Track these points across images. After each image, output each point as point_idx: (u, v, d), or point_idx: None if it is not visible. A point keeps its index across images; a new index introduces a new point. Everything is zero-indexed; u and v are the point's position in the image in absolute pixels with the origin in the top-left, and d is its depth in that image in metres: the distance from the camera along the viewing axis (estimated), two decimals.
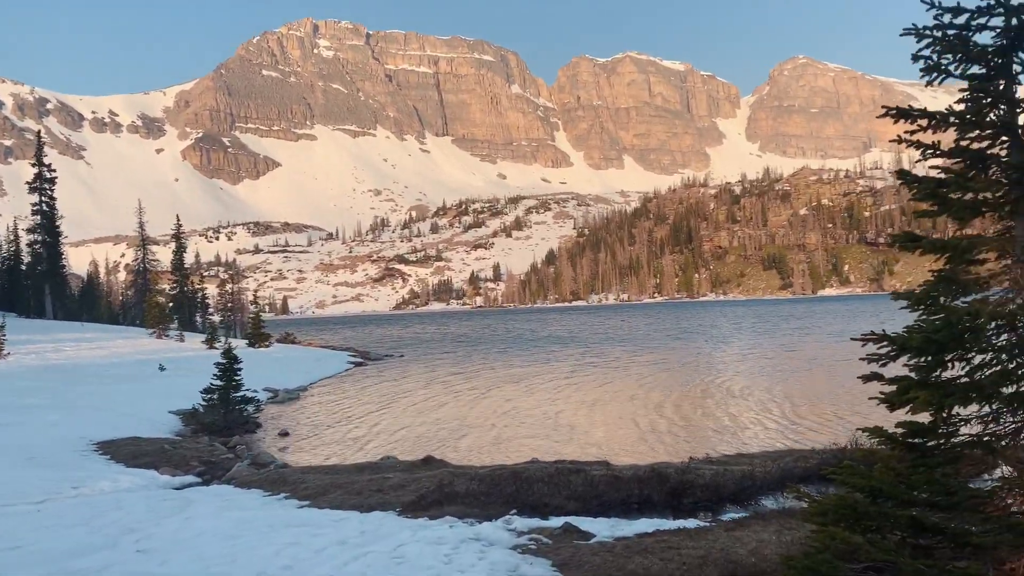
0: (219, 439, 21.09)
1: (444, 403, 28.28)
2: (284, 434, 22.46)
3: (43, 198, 72.44)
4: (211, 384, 22.93)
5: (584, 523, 10.99)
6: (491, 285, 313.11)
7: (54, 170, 74.56)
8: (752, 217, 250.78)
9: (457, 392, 31.85)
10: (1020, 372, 5.77)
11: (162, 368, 35.49)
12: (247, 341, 54.71)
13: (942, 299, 6.11)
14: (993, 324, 5.82)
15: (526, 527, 10.75)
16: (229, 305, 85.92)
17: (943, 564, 5.47)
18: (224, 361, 23.03)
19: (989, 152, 6.20)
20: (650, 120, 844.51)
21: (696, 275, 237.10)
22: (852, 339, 6.78)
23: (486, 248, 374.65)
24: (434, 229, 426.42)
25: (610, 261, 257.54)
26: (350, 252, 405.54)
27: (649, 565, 8.35)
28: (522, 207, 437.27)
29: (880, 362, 6.09)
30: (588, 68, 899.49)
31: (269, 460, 18.12)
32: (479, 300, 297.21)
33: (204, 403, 22.78)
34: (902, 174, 6.25)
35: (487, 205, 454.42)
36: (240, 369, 23.33)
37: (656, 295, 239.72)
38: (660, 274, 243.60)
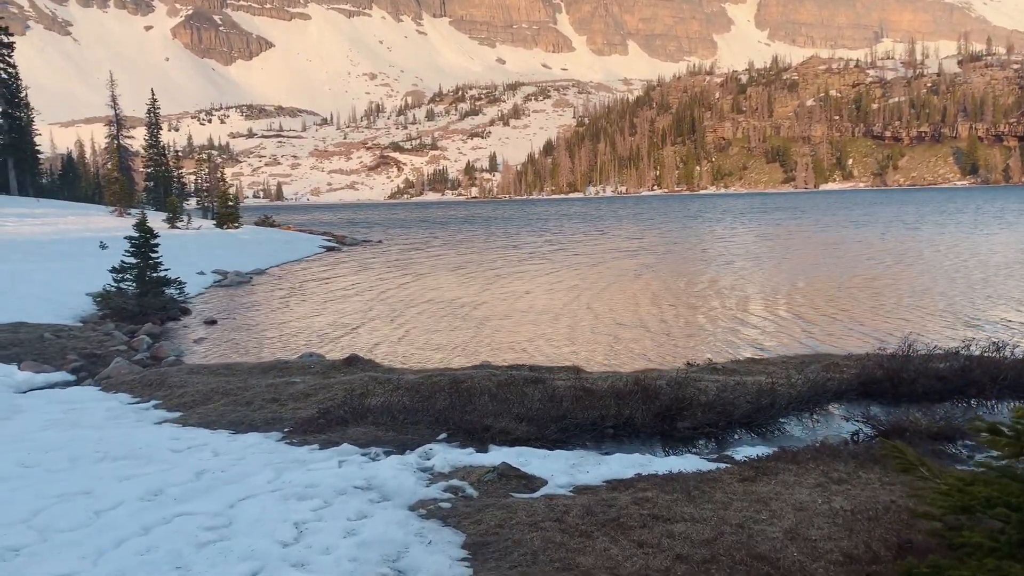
0: (128, 326, 17.73)
1: (403, 295, 24.82)
2: (211, 322, 19.14)
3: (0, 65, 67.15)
4: (122, 262, 19.38)
5: (535, 459, 7.66)
6: (487, 176, 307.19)
7: (11, 33, 68.97)
8: (758, 107, 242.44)
9: (423, 282, 28.42)
10: None
11: (103, 246, 31.89)
12: (215, 222, 50.99)
13: None
14: None
15: (449, 465, 7.41)
16: (206, 186, 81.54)
17: None
18: (138, 235, 19.39)
19: None
20: (656, 4, 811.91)
21: (697, 167, 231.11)
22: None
23: (483, 137, 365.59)
24: (430, 116, 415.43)
25: (609, 152, 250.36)
26: (344, 138, 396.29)
27: (617, 559, 4.98)
28: (521, 94, 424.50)
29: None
30: None
31: (171, 354, 14.75)
32: (474, 191, 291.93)
33: (114, 284, 19.29)
34: None
35: (485, 92, 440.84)
36: (158, 245, 19.71)
37: (655, 188, 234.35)
38: (661, 166, 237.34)
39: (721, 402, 9.40)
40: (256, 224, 62.04)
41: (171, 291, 20.18)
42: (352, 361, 12.28)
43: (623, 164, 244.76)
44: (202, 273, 28.44)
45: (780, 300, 21.24)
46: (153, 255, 19.40)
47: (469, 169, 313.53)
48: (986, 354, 10.76)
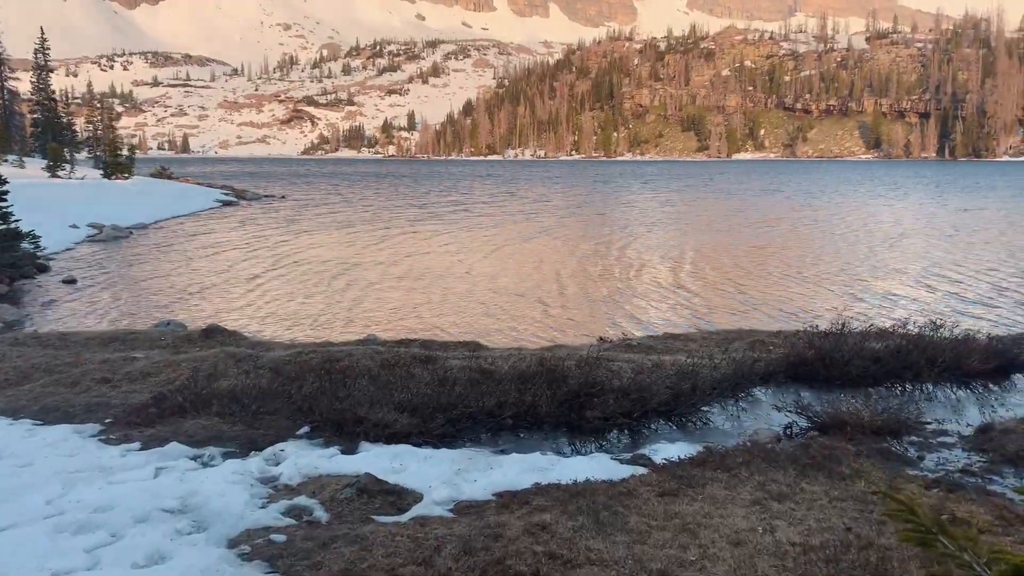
0: None
1: (291, 255, 22.85)
2: (70, 281, 16.94)
3: None
4: None
5: (413, 463, 6.21)
6: (405, 135, 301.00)
7: None
8: (675, 76, 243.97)
9: (316, 239, 26.54)
10: None
11: None
12: (102, 172, 47.29)
13: None
14: None
15: (301, 474, 5.88)
16: (98, 134, 76.17)
17: None
18: None
19: None
20: None
21: (615, 134, 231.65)
22: None
23: (401, 95, 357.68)
24: (346, 71, 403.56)
25: (529, 115, 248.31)
26: (256, 90, 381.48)
27: None
28: (440, 52, 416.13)
29: None
30: None
31: (8, 318, 12.65)
32: (391, 149, 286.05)
33: None
34: None
35: (404, 48, 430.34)
36: (6, 193, 17.23)
37: (574, 153, 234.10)
38: (579, 131, 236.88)
39: (637, 387, 8.11)
40: (152, 176, 58.48)
41: (26, 246, 17.77)
42: (211, 332, 10.47)
43: (542, 128, 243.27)
44: (75, 227, 25.72)
45: (701, 269, 20.29)
46: (2, 205, 16.95)
47: (387, 127, 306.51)
48: (925, 333, 9.81)
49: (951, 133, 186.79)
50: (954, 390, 9.24)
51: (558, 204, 42.98)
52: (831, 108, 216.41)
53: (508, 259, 21.87)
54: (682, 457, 6.39)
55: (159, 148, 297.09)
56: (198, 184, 55.94)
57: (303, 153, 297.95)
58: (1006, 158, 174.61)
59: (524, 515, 5.03)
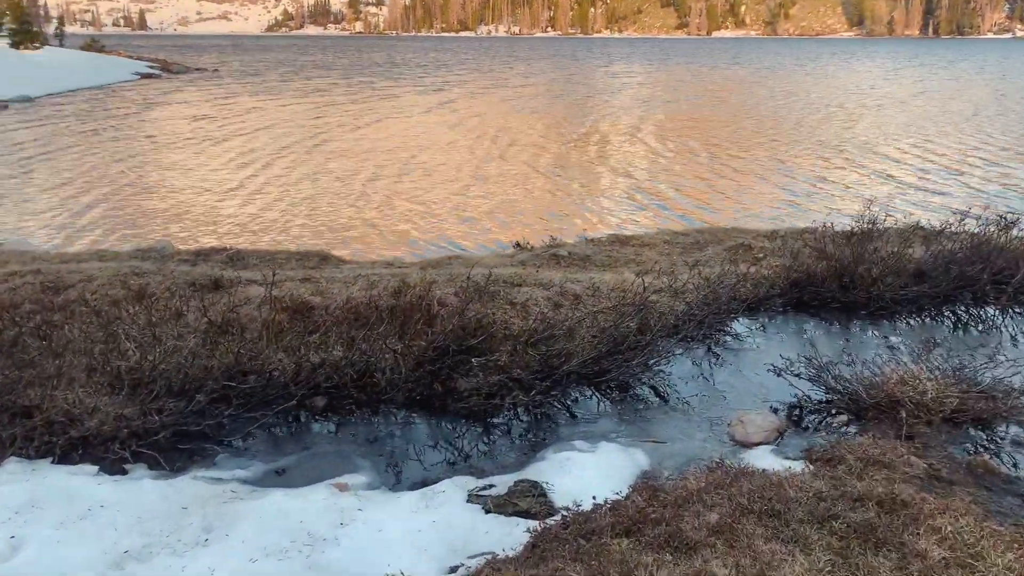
0: None
1: (168, 135, 18.90)
2: None
3: None
4: None
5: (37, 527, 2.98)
6: (373, 9, 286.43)
7: None
8: None
9: (213, 115, 22.47)
10: None
11: None
12: (8, 41, 42.12)
13: None
14: None
15: None
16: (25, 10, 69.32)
17: None
18: None
19: None
20: None
21: (592, 9, 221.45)
22: None
23: None
24: None
25: None
26: None
27: None
28: None
29: None
30: None
31: None
32: (359, 26, 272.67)
33: None
34: None
35: None
36: None
37: (549, 29, 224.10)
38: (555, 6, 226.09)
39: (547, 333, 4.88)
40: (82, 48, 53.77)
41: None
42: None
43: (517, 3, 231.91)
44: None
45: (675, 148, 16.84)
46: None
47: (354, 2, 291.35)
48: (988, 233, 6.59)
49: (936, 9, 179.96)
50: None
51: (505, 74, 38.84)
52: None
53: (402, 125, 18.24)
54: (600, 502, 3.23)
55: (114, 24, 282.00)
56: (127, 57, 50.77)
57: (266, 30, 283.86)
58: (990, 35, 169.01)
59: None
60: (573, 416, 4.60)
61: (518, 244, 7.39)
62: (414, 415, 4.56)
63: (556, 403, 4.62)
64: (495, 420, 4.53)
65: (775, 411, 4.56)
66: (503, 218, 10.46)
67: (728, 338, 5.61)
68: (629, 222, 9.91)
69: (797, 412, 4.50)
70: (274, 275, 5.02)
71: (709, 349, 5.41)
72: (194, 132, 19.49)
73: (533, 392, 4.42)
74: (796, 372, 4.70)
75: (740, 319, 5.82)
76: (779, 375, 4.76)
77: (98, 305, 5.01)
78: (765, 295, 6.15)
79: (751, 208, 11.00)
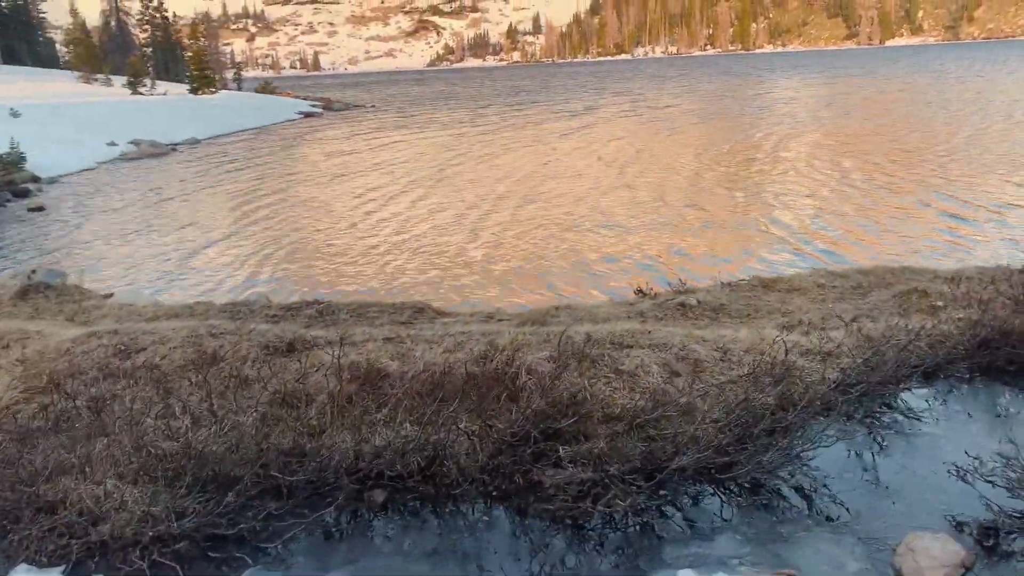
0: None
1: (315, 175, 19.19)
2: (36, 209, 14.19)
3: None
4: None
5: None
6: (529, 39, 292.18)
7: None
8: None
9: (367, 148, 22.81)
10: None
11: (15, 114, 26.77)
12: (189, 87, 45.59)
13: None
14: None
15: None
16: (204, 58, 75.78)
17: None
18: None
19: None
20: None
21: (753, 24, 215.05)
22: None
23: None
24: None
25: (660, 9, 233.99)
26: (382, 3, 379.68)
27: None
28: None
29: None
30: None
31: None
32: (516, 55, 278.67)
33: None
34: None
35: None
36: None
37: (708, 47, 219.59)
38: (714, 24, 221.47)
39: (655, 412, 3.98)
40: (256, 91, 57.65)
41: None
42: (27, 292, 7.00)
43: (674, 22, 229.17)
44: (113, 144, 23.35)
45: (842, 172, 15.29)
46: None
47: (511, 32, 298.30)
48: None
49: None
50: None
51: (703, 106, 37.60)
52: None
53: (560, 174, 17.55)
54: None
55: (291, 67, 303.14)
56: (294, 97, 53.83)
57: (428, 65, 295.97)
58: None
59: None
60: (687, 524, 3.66)
61: (640, 290, 6.48)
62: (491, 512, 3.78)
63: (664, 507, 3.70)
64: (588, 524, 3.67)
65: (959, 529, 3.42)
66: (623, 258, 9.55)
67: (896, 416, 4.46)
68: (777, 262, 8.73)
69: (992, 535, 3.35)
70: (342, 338, 4.40)
71: (870, 432, 4.30)
72: (329, 168, 19.88)
73: (629, 499, 3.52)
74: (988, 476, 3.54)
75: (912, 390, 4.65)
76: (963, 479, 3.60)
77: (160, 373, 4.58)
78: (946, 358, 4.93)
79: (934, 241, 9.49)
